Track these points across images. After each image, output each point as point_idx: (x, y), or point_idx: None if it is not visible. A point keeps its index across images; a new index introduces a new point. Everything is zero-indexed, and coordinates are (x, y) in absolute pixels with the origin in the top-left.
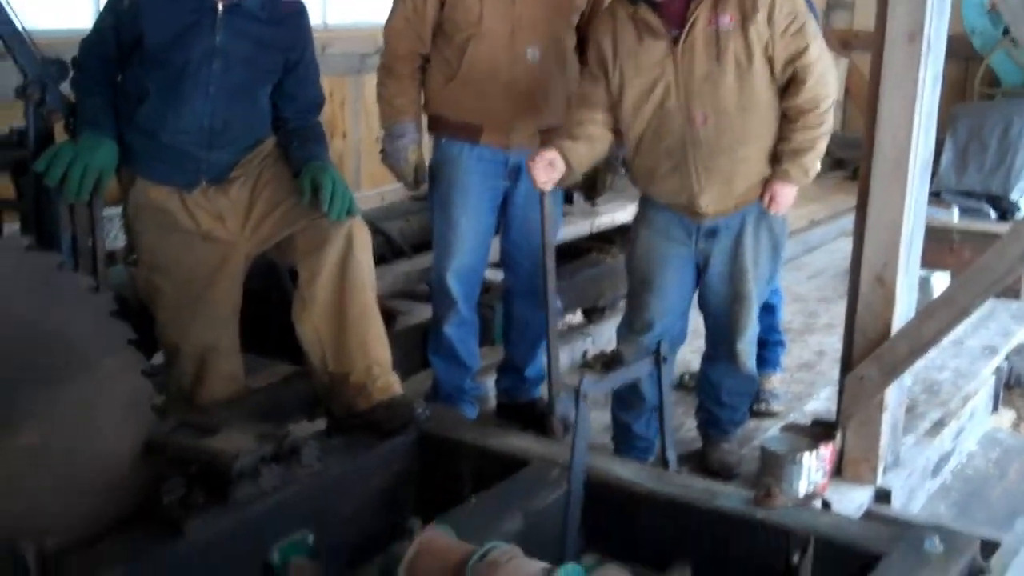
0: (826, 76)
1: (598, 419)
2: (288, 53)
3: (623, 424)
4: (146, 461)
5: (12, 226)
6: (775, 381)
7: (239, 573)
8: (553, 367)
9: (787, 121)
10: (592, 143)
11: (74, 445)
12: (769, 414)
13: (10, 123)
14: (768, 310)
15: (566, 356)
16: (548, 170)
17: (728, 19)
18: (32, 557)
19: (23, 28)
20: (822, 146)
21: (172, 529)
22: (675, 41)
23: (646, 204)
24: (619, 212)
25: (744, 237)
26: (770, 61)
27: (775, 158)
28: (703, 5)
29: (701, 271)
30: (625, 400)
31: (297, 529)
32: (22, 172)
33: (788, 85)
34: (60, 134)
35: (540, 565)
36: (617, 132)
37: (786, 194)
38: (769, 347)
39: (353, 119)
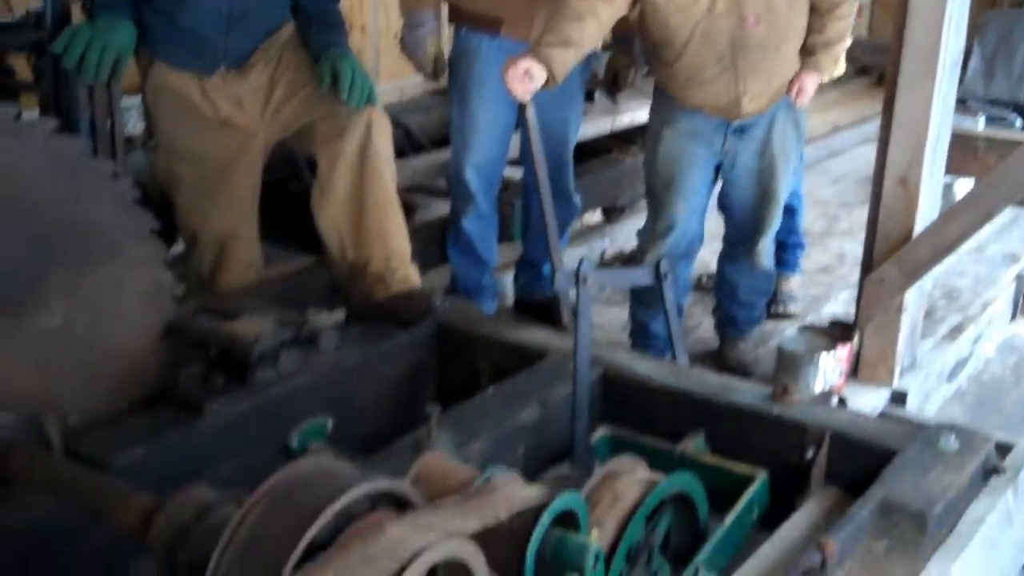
0: None
1: (616, 317)
2: None
3: (641, 323)
4: (165, 345)
5: (31, 111)
6: (793, 283)
7: (258, 456)
8: (555, 257)
9: (818, 14)
10: (581, 48)
11: (95, 330)
12: (786, 316)
13: (27, 6)
14: (788, 212)
15: (583, 255)
16: (524, 81)
17: None
18: (55, 431)
19: None
20: (849, 38)
21: (191, 411)
22: None
23: (667, 105)
24: (640, 111)
25: (773, 132)
26: None
27: (805, 51)
28: None
29: (724, 171)
30: (643, 299)
31: (316, 415)
32: (40, 54)
33: None
34: (77, 16)
35: (540, 489)
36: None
37: (813, 85)
38: (788, 249)
39: (372, 11)
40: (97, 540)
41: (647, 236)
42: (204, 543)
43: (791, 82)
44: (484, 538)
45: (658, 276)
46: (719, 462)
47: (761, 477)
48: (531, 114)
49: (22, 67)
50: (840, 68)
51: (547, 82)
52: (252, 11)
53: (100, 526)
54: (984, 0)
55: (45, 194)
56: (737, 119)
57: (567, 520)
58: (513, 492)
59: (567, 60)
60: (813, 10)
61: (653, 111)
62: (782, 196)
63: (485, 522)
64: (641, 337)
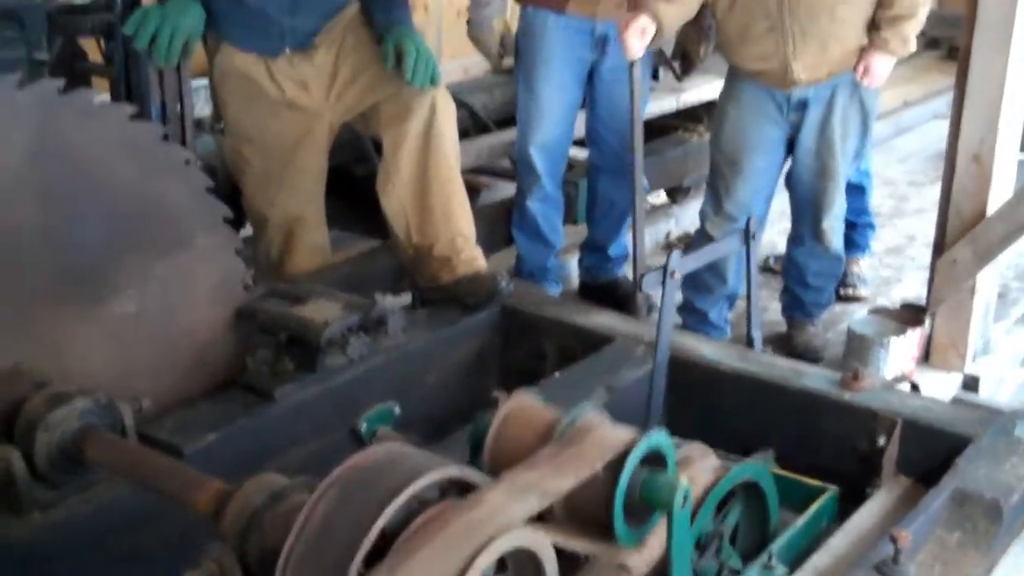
0: None
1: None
2: None
3: (698, 311)
4: (236, 330)
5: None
6: (863, 265)
7: (327, 441)
8: (638, 244)
9: None
10: (687, 3)
11: (168, 318)
12: (856, 298)
13: None
14: (858, 191)
15: (648, 237)
16: (641, 37)
17: None
18: (129, 416)
19: None
20: (922, 14)
21: (262, 396)
22: None
23: (734, 79)
24: (705, 87)
25: (834, 109)
26: None
27: (873, 26)
28: None
29: (791, 148)
30: (702, 284)
31: (383, 399)
32: (110, 37)
33: None
34: None
35: (628, 431)
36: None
37: (882, 65)
38: (858, 229)
39: None
40: (172, 525)
41: (711, 213)
42: (276, 530)
43: (858, 60)
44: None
45: (747, 237)
46: (789, 475)
47: (830, 492)
48: (638, 72)
49: (93, 50)
50: (912, 46)
51: (655, 36)
52: None
53: (174, 512)
54: None
55: (121, 178)
56: (792, 87)
57: (655, 462)
58: (604, 436)
59: (676, 14)
60: None
61: (722, 91)
62: (841, 177)
63: (581, 478)
64: (696, 325)
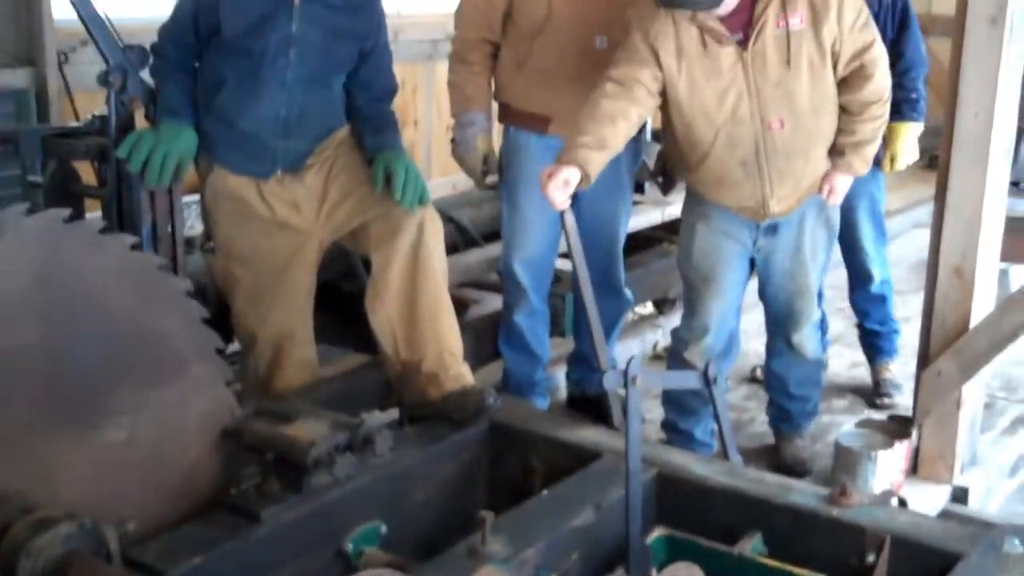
0: (886, 67)
1: (657, 412)
2: (363, 41)
3: (682, 431)
4: (223, 451)
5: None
6: (894, 370)
7: (313, 561)
8: (600, 356)
9: (849, 114)
10: (614, 150)
11: (158, 445)
12: (892, 407)
13: (91, 112)
14: (880, 301)
15: (636, 347)
16: (564, 190)
17: (799, 20)
18: (114, 540)
19: (105, 15)
20: (880, 136)
21: (248, 517)
22: (742, 45)
23: (699, 202)
24: None
25: (804, 231)
26: (834, 57)
27: (835, 151)
28: (771, 7)
29: (757, 267)
30: (686, 407)
31: (370, 518)
32: (104, 160)
33: (849, 79)
34: (140, 122)
35: None
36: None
37: (845, 184)
38: (884, 336)
39: (425, 107)
40: None
41: (686, 333)
42: None
43: (822, 181)
44: None
45: (707, 380)
46: (777, 565)
47: None
48: (571, 220)
49: (87, 171)
50: (870, 165)
51: (579, 183)
52: (309, 115)
53: None
54: None
55: (119, 307)
56: (766, 219)
57: None
58: None
59: (602, 162)
60: (843, 111)
61: (686, 207)
62: (814, 291)
63: None
64: (684, 446)
